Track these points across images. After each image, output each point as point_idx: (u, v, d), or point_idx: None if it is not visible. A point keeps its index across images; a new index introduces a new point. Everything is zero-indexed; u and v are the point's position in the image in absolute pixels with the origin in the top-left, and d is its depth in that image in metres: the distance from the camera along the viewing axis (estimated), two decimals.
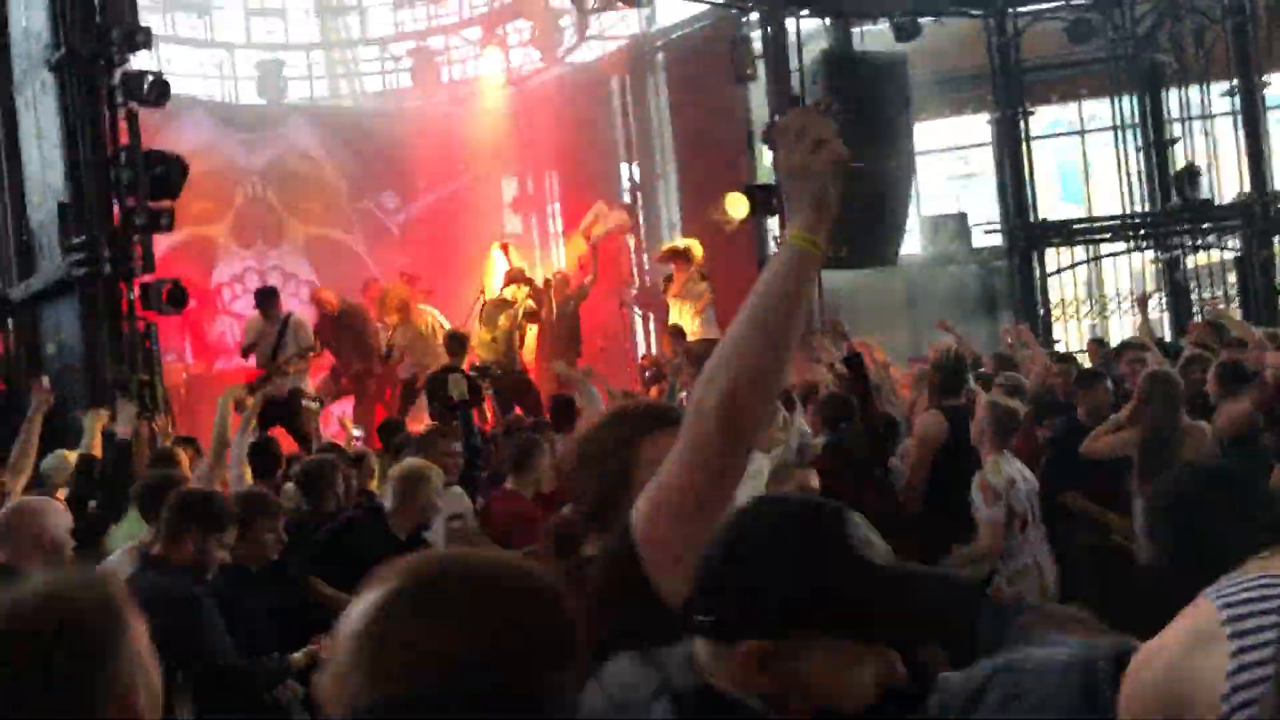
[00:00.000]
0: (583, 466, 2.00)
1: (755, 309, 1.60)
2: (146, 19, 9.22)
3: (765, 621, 1.36)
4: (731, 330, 1.62)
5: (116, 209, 8.19)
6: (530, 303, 11.39)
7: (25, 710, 1.31)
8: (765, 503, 1.59)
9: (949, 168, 16.50)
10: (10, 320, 9.29)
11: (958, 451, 5.42)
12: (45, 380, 6.86)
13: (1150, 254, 14.60)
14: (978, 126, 15.57)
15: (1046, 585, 5.04)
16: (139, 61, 8.76)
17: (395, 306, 11.70)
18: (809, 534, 1.40)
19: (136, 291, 8.34)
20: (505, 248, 12.60)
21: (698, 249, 11.47)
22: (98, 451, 6.00)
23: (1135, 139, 14.42)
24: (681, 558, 1.60)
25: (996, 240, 14.38)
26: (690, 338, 10.53)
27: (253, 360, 10.13)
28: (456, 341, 9.85)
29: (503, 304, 11.52)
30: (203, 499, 4.07)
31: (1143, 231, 14.23)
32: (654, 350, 12.98)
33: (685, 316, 11.10)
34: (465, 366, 9.66)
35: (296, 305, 11.70)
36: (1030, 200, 13.95)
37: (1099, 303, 15.02)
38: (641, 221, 14.77)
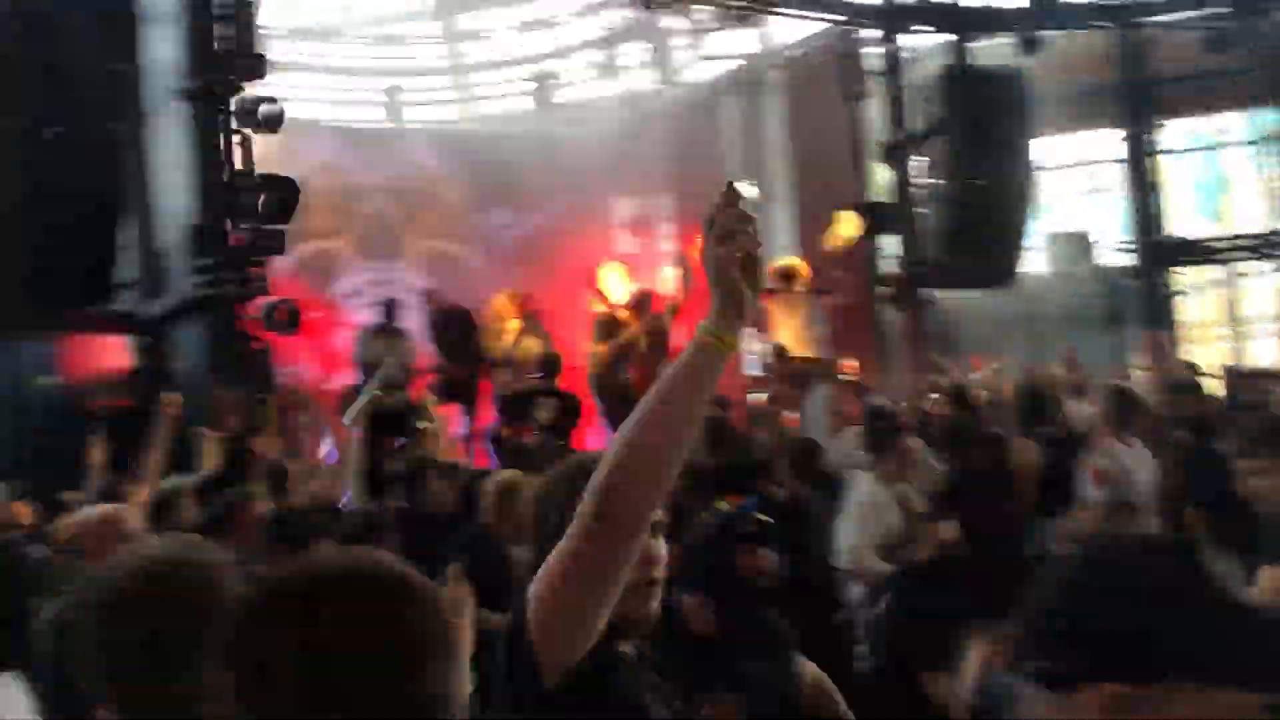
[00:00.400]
0: (535, 522, 1.99)
1: (653, 402, 1.57)
2: (272, 46, 9.62)
3: (1122, 665, 1.25)
4: (629, 418, 1.59)
5: (235, 231, 8.51)
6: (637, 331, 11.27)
7: (137, 669, 1.43)
8: (1114, 540, 1.52)
9: (1077, 183, 15.94)
10: (138, 339, 9.70)
11: (1056, 481, 5.19)
12: (175, 397, 7.04)
13: None
14: (1110, 141, 15.03)
15: None
16: (262, 88, 9.13)
17: (498, 318, 11.86)
18: (1174, 571, 1.32)
19: (255, 312, 8.65)
20: (594, 284, 12.38)
21: (803, 268, 11.33)
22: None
23: (1276, 153, 13.69)
24: (562, 634, 1.60)
25: (1125, 258, 13.82)
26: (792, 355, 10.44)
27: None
28: (549, 363, 9.87)
29: (612, 321, 11.53)
30: (278, 519, 4.16)
31: None
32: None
33: (787, 334, 10.99)
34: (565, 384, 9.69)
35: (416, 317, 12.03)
36: (1158, 217, 13.34)
37: (1235, 324, 14.29)
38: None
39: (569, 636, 1.62)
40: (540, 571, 1.65)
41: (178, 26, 8.70)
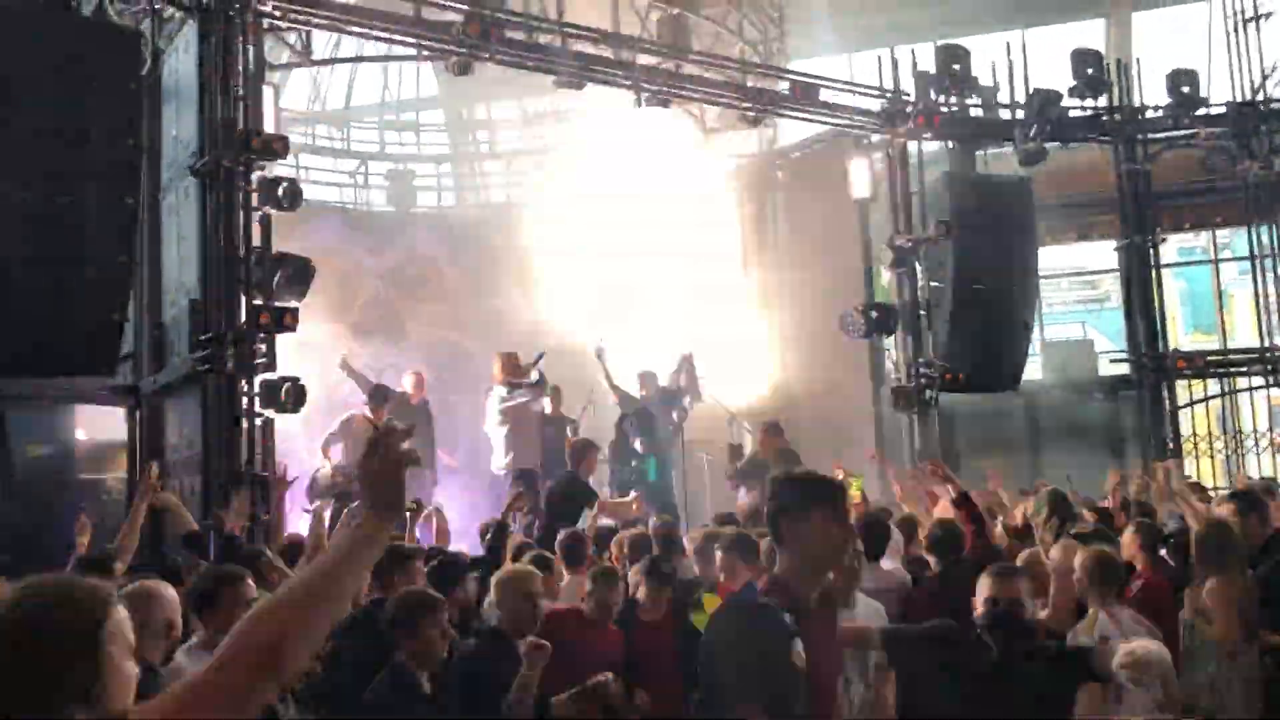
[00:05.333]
0: None
1: (314, 577, 1.79)
2: (289, 129, 9.67)
3: None
4: (298, 585, 1.81)
5: (244, 308, 8.44)
6: None
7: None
8: None
9: (1075, 293, 16.08)
10: (139, 412, 9.56)
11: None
12: (154, 468, 6.94)
13: None
14: (1105, 252, 15.19)
15: None
16: (277, 169, 9.13)
17: None
18: None
19: (258, 389, 8.54)
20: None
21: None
22: None
23: (1273, 269, 13.81)
24: None
25: (1123, 369, 13.82)
26: None
27: (334, 454, 10.25)
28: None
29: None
30: None
31: None
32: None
33: None
34: None
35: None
36: (1160, 330, 13.40)
37: (1234, 439, 14.30)
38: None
39: None
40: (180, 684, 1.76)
41: (198, 104, 8.73)
